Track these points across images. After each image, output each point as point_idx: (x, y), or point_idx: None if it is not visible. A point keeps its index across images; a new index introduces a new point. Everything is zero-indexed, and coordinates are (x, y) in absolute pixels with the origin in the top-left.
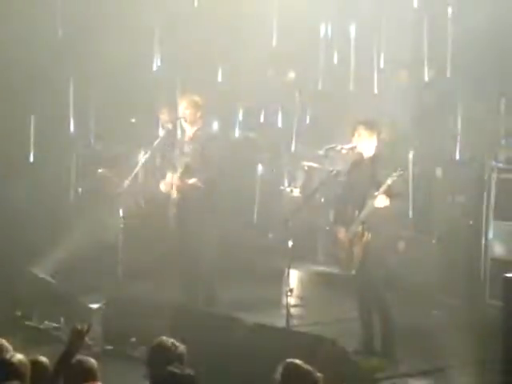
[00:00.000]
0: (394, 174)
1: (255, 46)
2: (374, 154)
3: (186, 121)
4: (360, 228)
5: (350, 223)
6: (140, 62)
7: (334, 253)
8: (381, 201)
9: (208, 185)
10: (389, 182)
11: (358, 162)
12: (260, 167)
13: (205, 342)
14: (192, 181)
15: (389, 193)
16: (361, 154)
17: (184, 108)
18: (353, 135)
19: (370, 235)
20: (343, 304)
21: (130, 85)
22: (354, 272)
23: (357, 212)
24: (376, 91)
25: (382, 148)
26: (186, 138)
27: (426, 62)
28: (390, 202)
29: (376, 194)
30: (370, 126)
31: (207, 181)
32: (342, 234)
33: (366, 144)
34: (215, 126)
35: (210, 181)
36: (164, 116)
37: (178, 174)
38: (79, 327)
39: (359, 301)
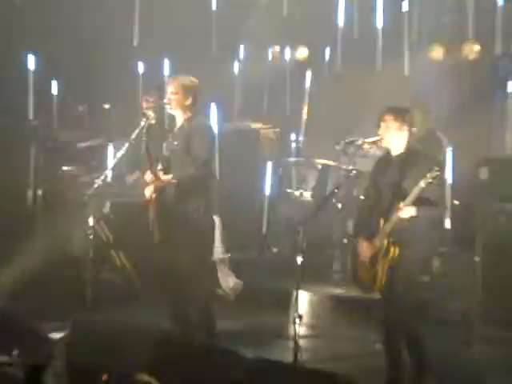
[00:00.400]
0: (428, 176)
1: (258, 15)
2: (405, 151)
3: (171, 108)
4: (385, 242)
5: (374, 236)
6: (117, 35)
7: (353, 272)
8: (407, 211)
9: (188, 184)
10: (422, 184)
11: (385, 161)
12: (263, 164)
13: (194, 382)
14: (165, 177)
15: (419, 200)
16: (388, 151)
17: (170, 92)
18: (378, 126)
19: (397, 251)
20: (363, 335)
21: (105, 63)
22: (376, 296)
23: (382, 222)
24: (406, 72)
25: (414, 143)
26: (175, 130)
27: (469, 37)
28: (422, 211)
29: (402, 203)
30: (401, 115)
31: (187, 179)
32: (363, 248)
33: (394, 138)
34: (212, 114)
35: (193, 179)
36: (147, 103)
37: (154, 170)
38: (35, 363)
39: (384, 331)
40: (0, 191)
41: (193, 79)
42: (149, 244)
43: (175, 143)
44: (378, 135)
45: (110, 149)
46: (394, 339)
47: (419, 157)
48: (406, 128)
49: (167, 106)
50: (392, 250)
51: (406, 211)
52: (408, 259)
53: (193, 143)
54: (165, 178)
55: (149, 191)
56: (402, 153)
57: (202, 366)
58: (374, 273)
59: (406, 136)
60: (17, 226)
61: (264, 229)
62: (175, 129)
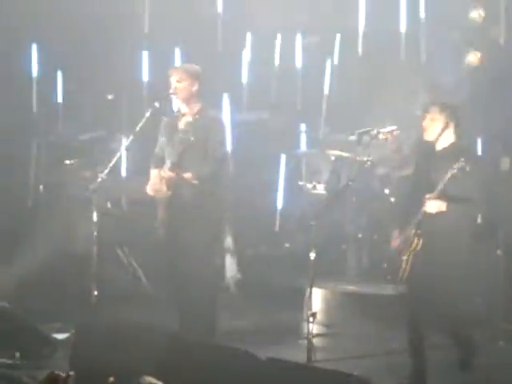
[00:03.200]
0: (455, 167)
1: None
2: (449, 147)
3: (178, 97)
4: (412, 232)
5: (406, 226)
6: (123, 21)
7: (379, 264)
8: (435, 204)
9: (207, 183)
10: (448, 175)
11: (427, 154)
12: (273, 157)
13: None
14: (187, 174)
15: (450, 194)
16: (430, 144)
17: (176, 81)
18: (423, 118)
19: (420, 243)
20: (380, 333)
21: (109, 51)
22: (397, 289)
23: (414, 214)
24: (424, 59)
25: (459, 140)
26: (181, 121)
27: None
28: (452, 205)
29: (428, 195)
30: (448, 109)
31: (206, 177)
32: (393, 238)
33: (437, 131)
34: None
35: (211, 177)
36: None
37: (169, 165)
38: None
39: (408, 326)
40: (1, 185)
41: (196, 66)
42: (156, 241)
43: (191, 138)
44: (422, 127)
45: (116, 142)
46: (418, 334)
47: (462, 153)
48: (451, 123)
49: (174, 96)
50: (416, 241)
51: (433, 204)
52: (432, 253)
53: (211, 139)
54: (187, 175)
55: (162, 187)
56: (444, 148)
57: (212, 367)
58: (399, 264)
59: (451, 131)
60: (17, 222)
61: (277, 224)
62: (182, 121)
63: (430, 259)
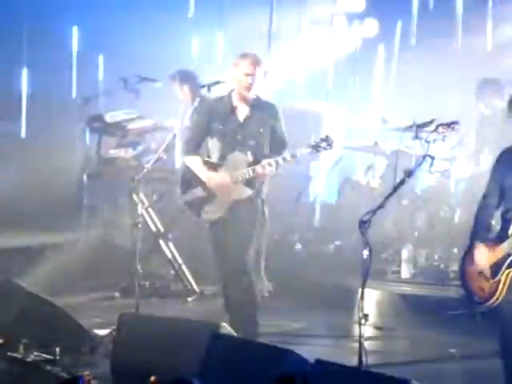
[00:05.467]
0: None
1: None
2: None
3: (247, 90)
4: None
5: (498, 241)
6: (171, 5)
7: (464, 281)
8: None
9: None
10: None
11: None
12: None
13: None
14: (269, 169)
15: None
16: None
17: (247, 72)
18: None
19: None
20: (436, 337)
21: (156, 37)
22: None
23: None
24: (490, 48)
25: None
26: (239, 110)
27: None
28: None
29: None
30: None
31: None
32: (483, 255)
33: None
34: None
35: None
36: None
37: (250, 158)
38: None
39: (503, 347)
40: (43, 175)
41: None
42: (202, 235)
43: (261, 130)
44: None
45: (163, 131)
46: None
47: None
48: None
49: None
50: None
51: None
52: None
53: (278, 129)
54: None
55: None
56: None
57: (259, 367)
58: (495, 283)
59: None
60: (60, 211)
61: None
62: (241, 110)
63: None
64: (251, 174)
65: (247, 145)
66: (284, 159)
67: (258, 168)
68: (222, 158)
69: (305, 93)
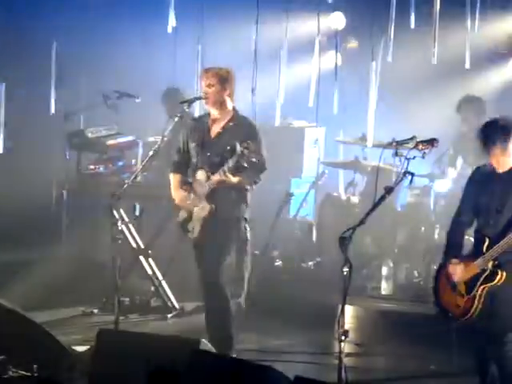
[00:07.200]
0: None
1: None
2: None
3: (208, 103)
4: (490, 265)
5: (472, 257)
6: (150, 20)
7: (437, 296)
8: None
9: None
10: None
11: (487, 175)
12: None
13: None
14: (236, 179)
15: None
16: (490, 164)
17: (207, 85)
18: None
19: (504, 275)
20: (416, 353)
21: (136, 51)
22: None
23: (487, 243)
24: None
25: None
26: (213, 126)
27: None
28: None
29: None
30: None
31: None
32: (458, 271)
33: (500, 152)
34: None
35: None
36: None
37: (202, 171)
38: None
39: (480, 361)
40: (22, 191)
41: (229, 70)
42: (181, 250)
43: (227, 148)
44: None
45: (143, 146)
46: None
47: None
48: None
49: (203, 101)
50: (500, 274)
51: None
52: None
53: (251, 147)
54: (235, 179)
55: (203, 190)
56: (510, 169)
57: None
58: (470, 299)
59: None
60: (39, 229)
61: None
62: (216, 127)
63: None
64: (211, 187)
65: (213, 162)
66: (229, 167)
67: (216, 176)
68: (195, 176)
69: (285, 109)
